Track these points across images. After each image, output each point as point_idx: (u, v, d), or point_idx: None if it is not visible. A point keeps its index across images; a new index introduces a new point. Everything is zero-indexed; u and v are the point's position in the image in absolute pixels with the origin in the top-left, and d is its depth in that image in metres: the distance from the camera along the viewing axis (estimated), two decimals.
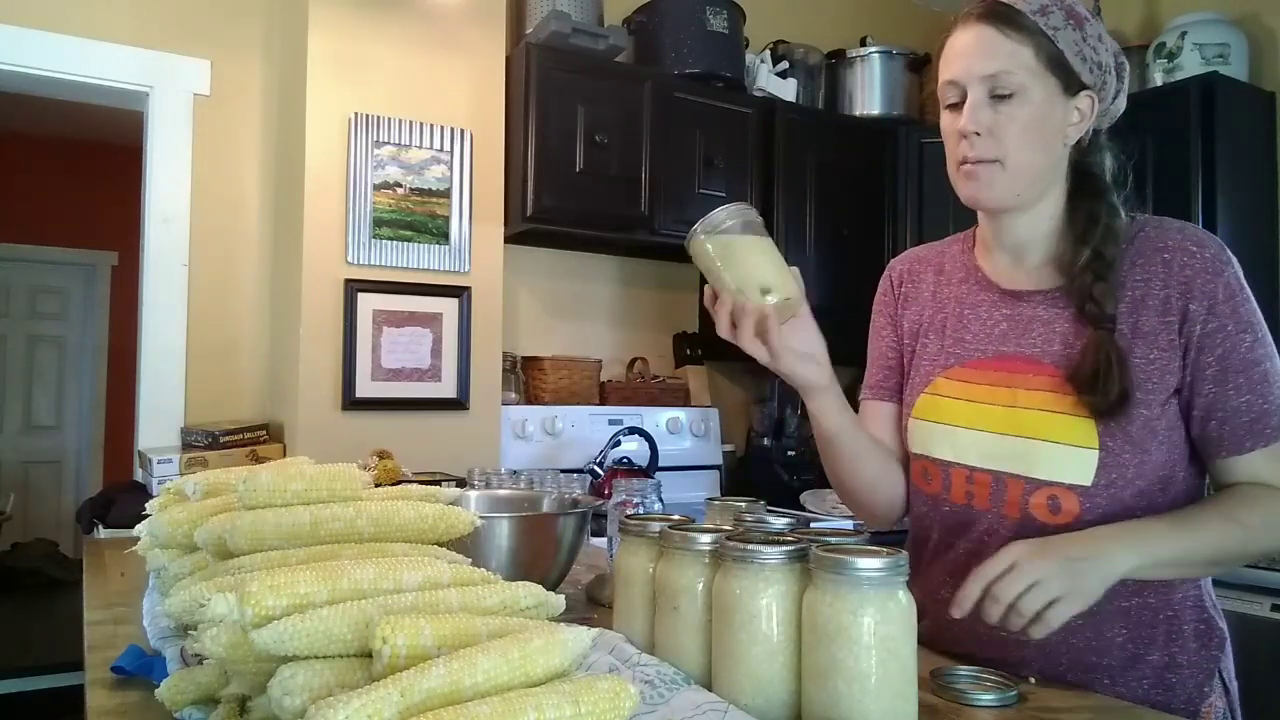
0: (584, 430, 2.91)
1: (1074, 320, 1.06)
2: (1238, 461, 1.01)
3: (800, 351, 1.04)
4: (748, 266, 1.00)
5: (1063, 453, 1.03)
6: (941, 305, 1.20)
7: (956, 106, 1.08)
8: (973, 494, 1.10)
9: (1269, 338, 1.02)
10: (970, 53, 1.06)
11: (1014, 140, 1.04)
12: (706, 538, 0.82)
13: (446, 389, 2.61)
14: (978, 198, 1.08)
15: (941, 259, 1.24)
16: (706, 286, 1.05)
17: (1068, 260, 1.08)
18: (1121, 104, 1.12)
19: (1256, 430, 1.00)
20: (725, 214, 1.00)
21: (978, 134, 1.04)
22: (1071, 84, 1.06)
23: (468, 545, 0.95)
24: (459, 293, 2.62)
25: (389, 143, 2.53)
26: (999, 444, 1.08)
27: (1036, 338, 1.09)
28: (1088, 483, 1.02)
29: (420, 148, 2.57)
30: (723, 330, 1.02)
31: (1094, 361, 1.01)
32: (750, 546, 0.76)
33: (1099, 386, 1.00)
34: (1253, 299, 1.03)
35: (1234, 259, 1.04)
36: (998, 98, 1.04)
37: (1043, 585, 0.91)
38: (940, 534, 1.15)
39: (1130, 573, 0.96)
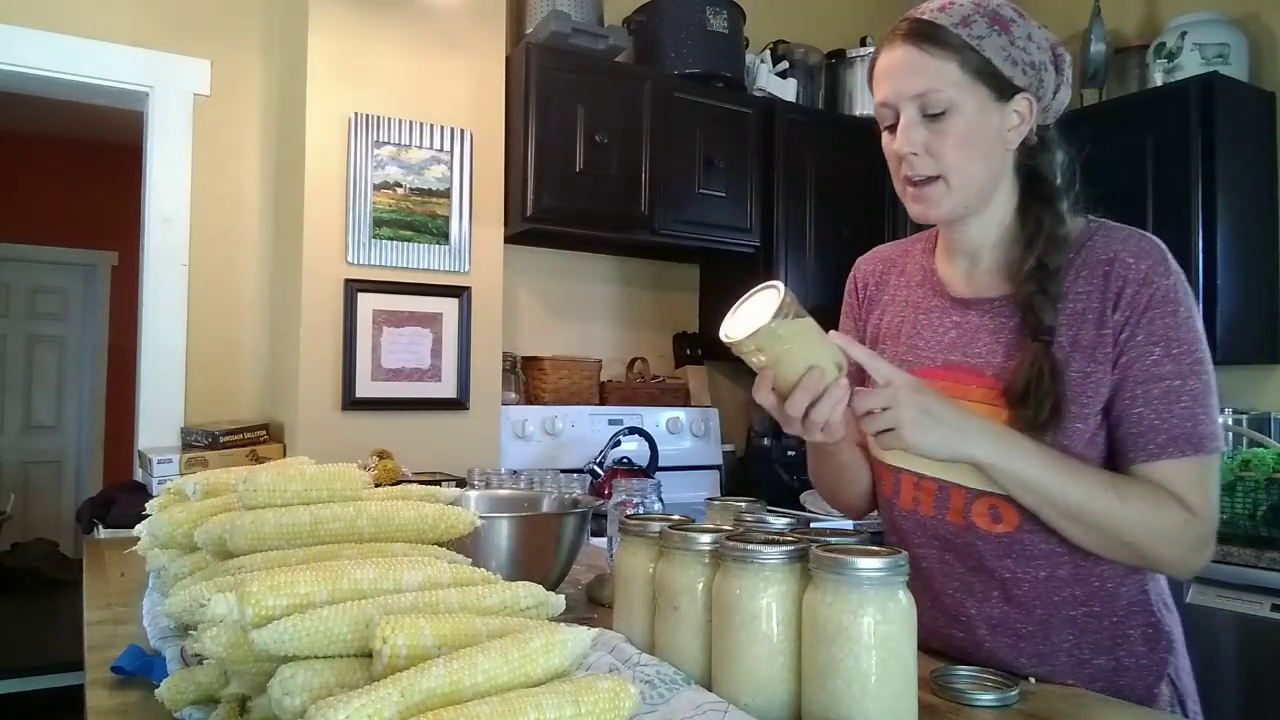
0: (584, 430, 2.91)
1: (1018, 330, 1.07)
2: (1132, 470, 1.01)
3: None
4: (816, 347, 0.95)
5: None
6: (900, 309, 1.22)
7: (893, 128, 1.09)
8: (919, 500, 1.12)
9: (1189, 356, 1.00)
10: (897, 74, 1.06)
11: (952, 155, 1.05)
12: (706, 538, 0.82)
13: (446, 389, 2.61)
14: (927, 215, 1.10)
15: (905, 260, 1.25)
16: (759, 381, 0.98)
17: (1016, 266, 1.09)
18: (1065, 96, 1.12)
19: (1140, 444, 1.00)
20: (774, 304, 0.91)
21: (915, 154, 1.06)
22: (1004, 90, 1.05)
23: (468, 545, 0.95)
24: (459, 293, 2.62)
25: (389, 143, 2.53)
26: None
27: (982, 348, 1.10)
28: None
29: (420, 148, 2.57)
30: (796, 423, 0.97)
31: (1027, 375, 1.01)
32: (750, 546, 0.76)
33: (1030, 400, 1.00)
34: (1180, 314, 1.00)
35: (1175, 272, 1.02)
36: (930, 116, 1.05)
37: (890, 414, 0.94)
38: (898, 537, 1.17)
39: (978, 465, 0.98)
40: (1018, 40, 1.06)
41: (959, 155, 1.05)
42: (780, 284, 0.93)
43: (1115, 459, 1.03)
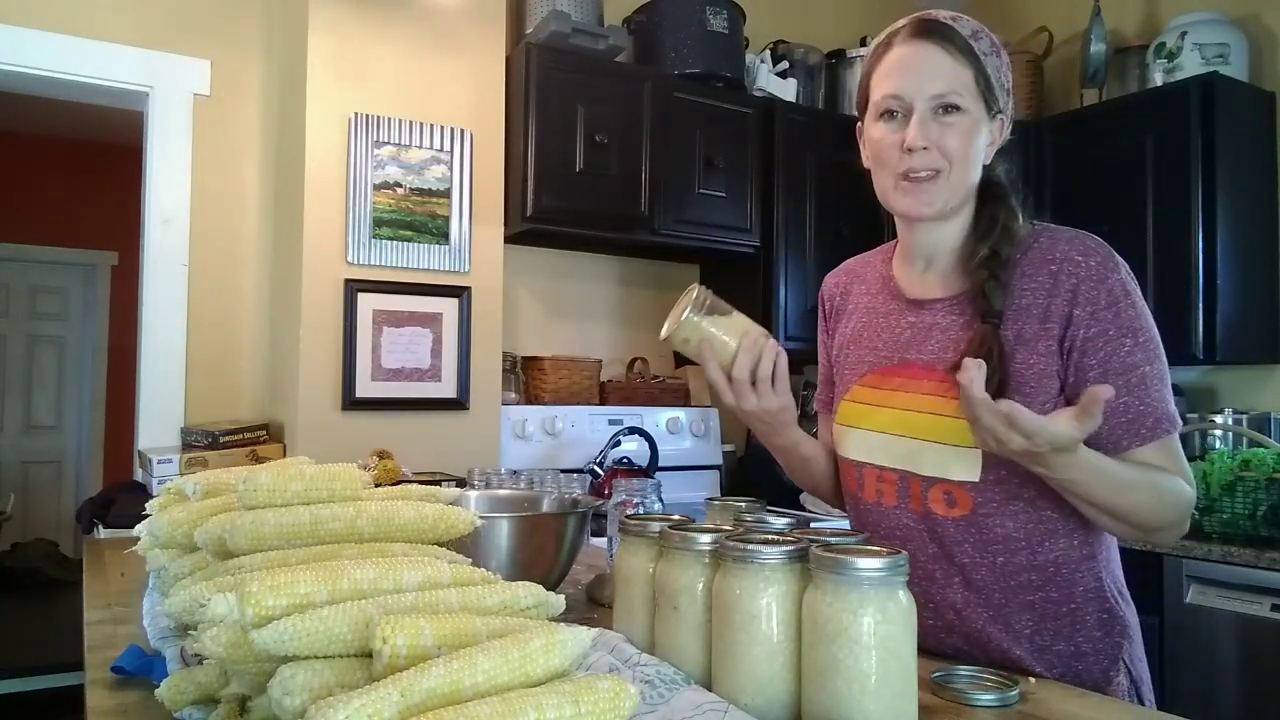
0: (584, 430, 2.91)
1: (967, 327, 1.12)
2: (1131, 455, 1.05)
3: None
4: (740, 321, 1.10)
5: (949, 452, 1.09)
6: (862, 316, 1.27)
7: (893, 118, 1.11)
8: (882, 492, 1.17)
9: (1152, 342, 1.06)
10: (918, 70, 1.09)
11: (956, 153, 1.09)
12: (706, 538, 0.82)
13: (446, 389, 2.61)
14: (918, 210, 1.12)
15: (867, 270, 1.31)
16: (705, 362, 1.09)
17: (969, 260, 1.14)
18: (1008, 132, 1.17)
19: (1133, 430, 1.05)
20: (691, 298, 1.09)
21: (925, 148, 1.08)
22: (991, 107, 1.11)
23: (468, 545, 0.95)
24: (459, 293, 2.62)
25: (389, 143, 2.53)
26: (898, 445, 1.15)
27: (934, 344, 1.15)
28: (976, 478, 1.08)
29: (420, 148, 2.57)
30: (746, 388, 1.08)
31: (975, 352, 1.06)
32: (750, 546, 0.76)
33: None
34: (1138, 304, 1.07)
35: (1122, 265, 1.08)
36: (941, 114, 1.08)
37: (1019, 453, 0.96)
38: (865, 530, 1.21)
39: (1059, 485, 1.02)
40: (1004, 66, 1.12)
41: (961, 154, 1.10)
42: (696, 284, 1.09)
43: (1100, 449, 1.06)
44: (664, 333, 1.10)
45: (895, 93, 1.10)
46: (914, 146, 1.08)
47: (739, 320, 1.09)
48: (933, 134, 1.08)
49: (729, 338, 1.08)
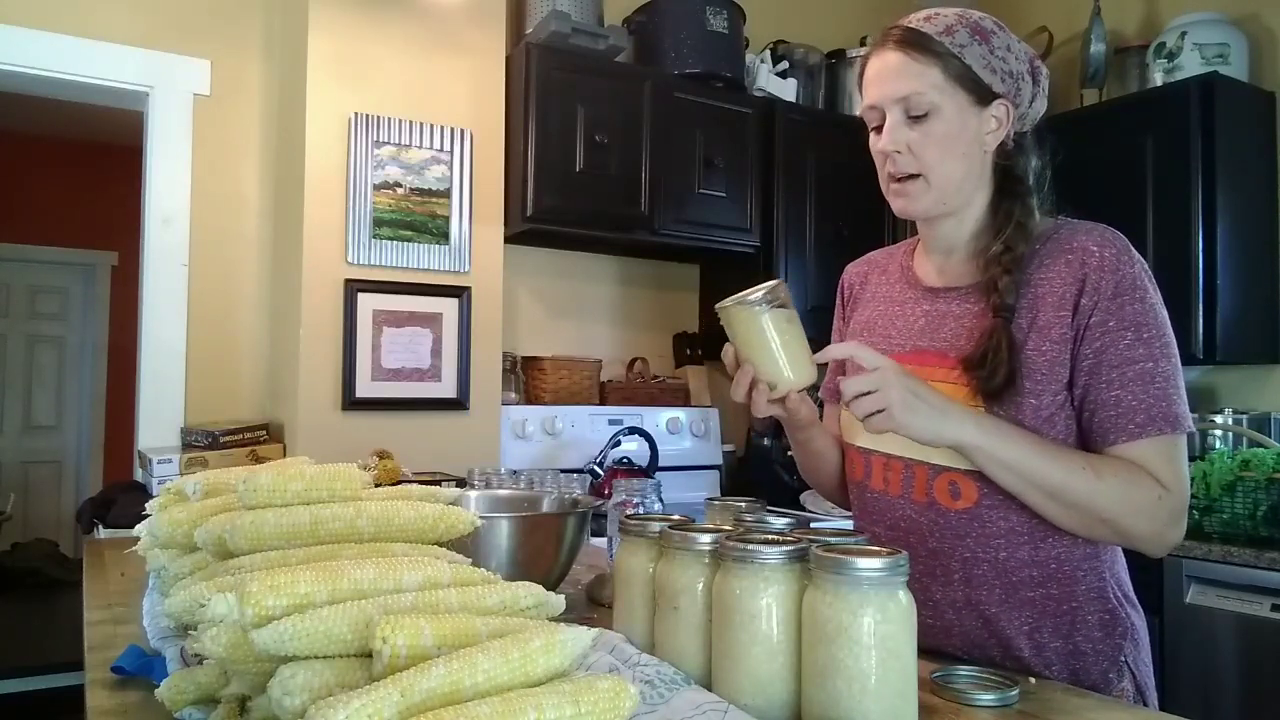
0: (584, 430, 2.91)
1: (981, 316, 1.13)
2: (1111, 451, 1.05)
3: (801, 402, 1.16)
4: (766, 359, 1.07)
5: None
6: (879, 304, 1.29)
7: (879, 128, 1.16)
8: (888, 480, 1.18)
9: (1159, 340, 1.05)
10: (884, 78, 1.14)
11: (933, 154, 1.12)
12: (706, 538, 0.82)
13: (446, 389, 2.61)
14: (908, 210, 1.17)
15: (889, 261, 1.33)
16: (728, 346, 1.10)
17: (985, 253, 1.15)
18: (1041, 106, 1.19)
19: (1120, 425, 1.04)
20: (759, 294, 1.05)
21: (899, 152, 1.13)
22: (983, 95, 1.12)
23: (468, 545, 0.95)
24: (459, 293, 2.62)
25: (389, 143, 2.53)
26: None
27: (948, 332, 1.16)
28: None
29: (420, 148, 2.57)
30: (739, 395, 1.10)
31: (985, 346, 1.08)
32: (750, 546, 0.76)
33: (986, 367, 1.06)
34: (1149, 300, 1.06)
35: (1138, 261, 1.08)
36: (913, 118, 1.12)
37: (880, 396, 0.99)
38: (868, 520, 1.22)
39: (962, 447, 1.02)
40: (997, 50, 1.13)
41: (939, 154, 1.12)
42: (780, 280, 1.05)
43: (1091, 441, 1.07)
44: (724, 302, 1.08)
45: (870, 104, 1.16)
46: (886, 150, 1.14)
47: (771, 350, 1.06)
48: (907, 138, 1.12)
49: (761, 354, 1.07)
